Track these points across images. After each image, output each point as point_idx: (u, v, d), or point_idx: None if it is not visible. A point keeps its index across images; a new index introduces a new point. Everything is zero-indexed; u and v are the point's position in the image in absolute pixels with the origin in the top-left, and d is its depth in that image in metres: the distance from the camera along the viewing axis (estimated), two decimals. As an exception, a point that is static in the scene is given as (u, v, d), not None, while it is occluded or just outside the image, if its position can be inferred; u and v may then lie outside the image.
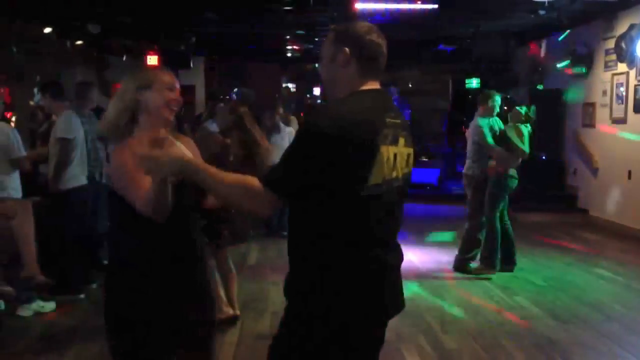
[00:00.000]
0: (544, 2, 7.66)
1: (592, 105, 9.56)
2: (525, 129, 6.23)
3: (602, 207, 9.24)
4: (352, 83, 1.98)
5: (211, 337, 2.50)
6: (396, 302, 2.11)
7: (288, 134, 7.83)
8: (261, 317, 4.91)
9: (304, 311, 1.94)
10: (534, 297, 5.58)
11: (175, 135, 2.47)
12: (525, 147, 6.15)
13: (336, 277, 1.91)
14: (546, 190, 10.00)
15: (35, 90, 9.95)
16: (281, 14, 8.82)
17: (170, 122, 2.35)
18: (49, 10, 8.70)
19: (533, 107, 9.23)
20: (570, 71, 9.96)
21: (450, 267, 6.48)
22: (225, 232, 4.50)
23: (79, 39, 10.61)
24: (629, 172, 8.50)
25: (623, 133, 8.67)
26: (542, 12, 8.04)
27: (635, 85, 8.34)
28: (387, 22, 9.09)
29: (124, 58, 12.96)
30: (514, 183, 6.26)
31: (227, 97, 12.80)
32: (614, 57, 8.84)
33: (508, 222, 6.39)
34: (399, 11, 8.41)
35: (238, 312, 4.75)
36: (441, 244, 7.72)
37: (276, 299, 5.07)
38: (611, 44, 8.88)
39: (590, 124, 9.66)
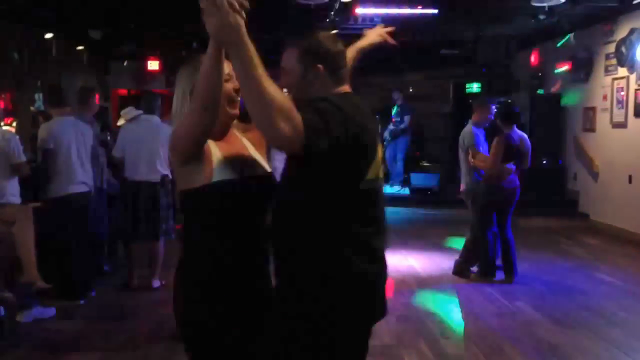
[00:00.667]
0: (545, 7, 7.66)
1: (593, 109, 9.56)
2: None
3: (602, 211, 9.23)
4: (327, 93, 1.99)
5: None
6: (382, 308, 2.13)
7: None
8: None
9: (298, 314, 1.93)
10: (534, 301, 5.56)
11: (243, 127, 2.25)
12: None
13: (331, 282, 1.91)
14: (547, 195, 9.99)
15: (36, 95, 9.98)
16: (281, 19, 8.83)
17: (230, 114, 2.12)
18: (51, 16, 8.72)
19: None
20: (569, 76, 9.97)
21: (451, 272, 6.47)
22: None
23: (81, 45, 10.66)
24: (630, 177, 8.49)
25: (623, 137, 8.67)
26: (542, 17, 8.05)
27: (636, 90, 8.34)
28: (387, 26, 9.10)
29: (125, 63, 13.00)
30: (505, 195, 6.08)
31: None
32: (614, 61, 8.85)
33: (509, 236, 6.17)
34: (400, 16, 8.43)
35: None
36: (442, 249, 7.71)
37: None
38: (611, 48, 8.89)
39: (590, 128, 9.66)
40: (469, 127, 6.34)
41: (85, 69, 12.00)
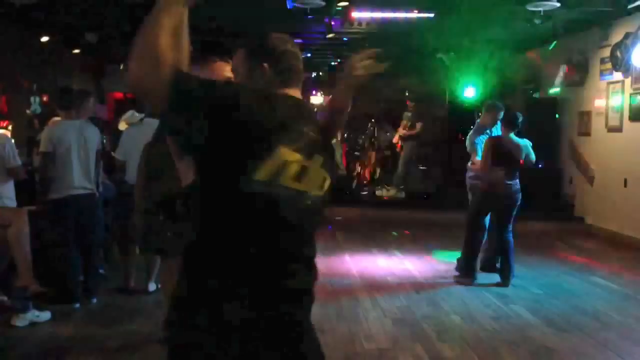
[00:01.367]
0: (540, 11, 7.69)
1: (588, 113, 9.60)
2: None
3: (598, 215, 9.25)
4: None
5: None
6: None
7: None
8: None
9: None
10: (530, 305, 5.57)
11: None
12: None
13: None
14: (543, 199, 10.00)
15: (32, 99, 9.96)
16: (278, 23, 8.84)
17: None
18: (47, 19, 8.71)
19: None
20: (566, 80, 10.01)
21: (448, 274, 6.50)
22: None
23: (77, 48, 10.64)
24: (625, 180, 8.52)
25: (619, 141, 8.70)
26: (537, 22, 8.07)
27: (631, 94, 8.38)
28: (383, 30, 9.14)
29: (121, 66, 12.98)
30: (502, 201, 6.13)
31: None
32: (609, 65, 8.88)
33: (508, 238, 6.21)
34: (396, 20, 8.45)
35: None
36: (439, 252, 7.71)
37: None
38: (606, 52, 8.93)
39: (586, 132, 9.69)
40: (472, 131, 6.48)
41: (80, 72, 11.98)
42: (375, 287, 6.13)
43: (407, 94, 12.94)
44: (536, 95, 11.21)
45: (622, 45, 8.46)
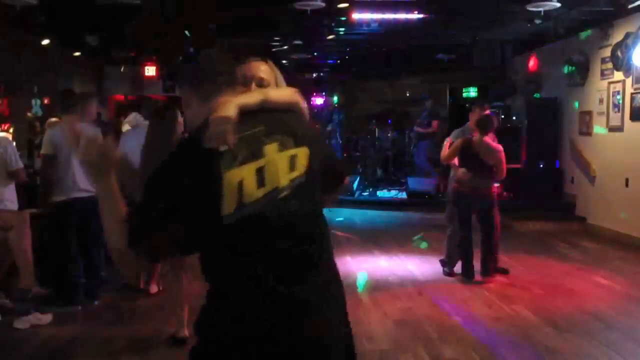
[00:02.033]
0: (540, 11, 7.69)
1: (589, 113, 9.59)
2: None
3: (599, 215, 9.24)
4: (204, 112, 1.77)
5: None
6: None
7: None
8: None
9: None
10: (532, 305, 5.56)
11: None
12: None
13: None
14: (544, 199, 10.01)
15: (33, 101, 9.97)
16: (278, 24, 8.84)
17: None
18: (48, 21, 8.72)
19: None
20: (566, 79, 10.00)
21: (452, 276, 6.53)
22: None
23: (78, 50, 10.65)
24: (627, 180, 8.51)
25: (620, 141, 8.69)
26: (538, 21, 8.07)
27: (632, 94, 8.37)
28: (384, 30, 9.13)
29: (122, 69, 13.00)
30: (463, 199, 6.28)
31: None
32: (610, 65, 8.88)
33: (467, 234, 6.38)
34: (396, 21, 8.44)
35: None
36: (439, 253, 7.69)
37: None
38: (607, 52, 8.92)
39: (587, 132, 9.68)
40: (457, 130, 6.57)
41: (81, 74, 11.99)
42: (377, 288, 6.13)
43: (407, 94, 12.99)
44: (537, 95, 11.19)
45: (623, 45, 8.46)
